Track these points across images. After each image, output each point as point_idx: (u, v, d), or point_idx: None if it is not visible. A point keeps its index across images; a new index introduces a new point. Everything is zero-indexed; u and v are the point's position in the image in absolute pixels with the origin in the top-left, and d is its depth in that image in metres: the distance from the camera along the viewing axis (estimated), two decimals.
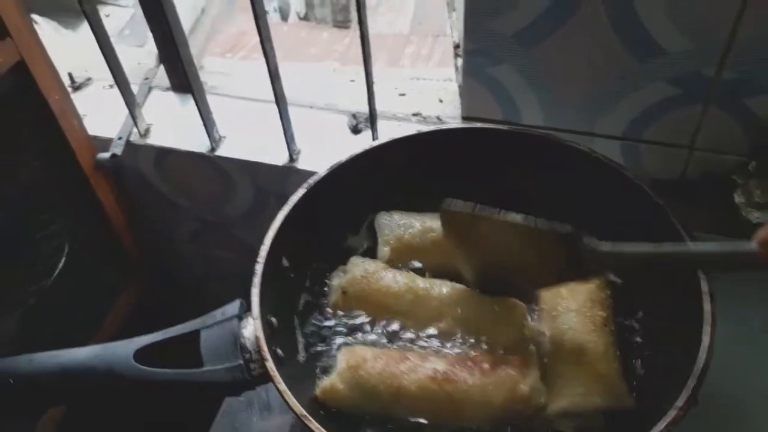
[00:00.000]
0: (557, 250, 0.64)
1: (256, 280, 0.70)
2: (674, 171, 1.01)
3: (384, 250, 0.81)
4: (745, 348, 0.77)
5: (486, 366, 0.68)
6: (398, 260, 0.81)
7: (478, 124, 0.89)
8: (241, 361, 0.66)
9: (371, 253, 0.85)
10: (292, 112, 1.17)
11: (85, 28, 1.57)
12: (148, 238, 1.45)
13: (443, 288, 0.75)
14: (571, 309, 0.71)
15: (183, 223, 1.42)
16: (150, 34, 1.28)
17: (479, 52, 0.96)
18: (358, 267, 0.77)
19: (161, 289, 1.50)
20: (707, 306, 0.62)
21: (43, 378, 0.65)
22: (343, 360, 0.71)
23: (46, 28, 1.46)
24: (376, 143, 0.84)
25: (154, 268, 1.49)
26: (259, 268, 0.72)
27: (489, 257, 0.69)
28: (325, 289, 0.81)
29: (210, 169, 1.26)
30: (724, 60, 0.87)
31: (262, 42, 1.05)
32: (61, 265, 1.21)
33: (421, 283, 0.76)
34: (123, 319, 1.37)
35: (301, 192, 0.79)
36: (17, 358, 0.66)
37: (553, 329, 0.71)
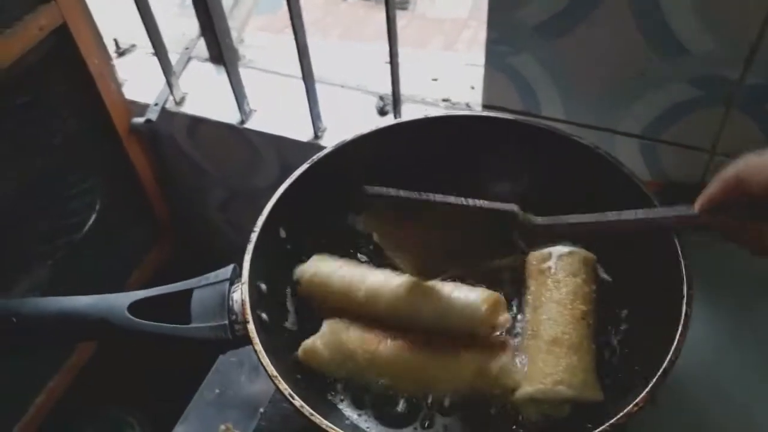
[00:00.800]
0: (495, 228, 0.67)
1: (250, 247, 0.74)
2: (694, 175, 0.99)
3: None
4: (722, 351, 0.76)
5: (461, 342, 0.69)
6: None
7: (485, 113, 0.89)
8: (226, 322, 0.69)
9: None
10: (323, 89, 1.20)
11: None
12: (178, 202, 1.50)
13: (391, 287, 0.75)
14: (553, 300, 0.71)
15: (212, 190, 1.46)
16: None
17: (501, 42, 0.96)
18: (311, 267, 0.79)
19: (188, 252, 1.56)
20: (684, 308, 0.62)
21: (44, 320, 0.70)
22: (326, 324, 0.74)
23: None
24: (382, 125, 0.85)
25: (182, 231, 1.54)
26: (253, 236, 0.75)
27: (422, 245, 0.70)
28: None
29: (239, 141, 1.30)
30: (749, 64, 0.85)
31: (291, 18, 1.07)
32: (91, 221, 1.27)
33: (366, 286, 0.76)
34: (148, 278, 1.43)
35: (304, 167, 0.81)
36: (24, 300, 0.72)
37: (534, 318, 0.72)
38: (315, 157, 0.82)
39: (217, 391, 0.83)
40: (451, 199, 0.67)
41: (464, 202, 0.67)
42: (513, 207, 0.68)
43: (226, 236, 1.57)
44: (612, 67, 0.92)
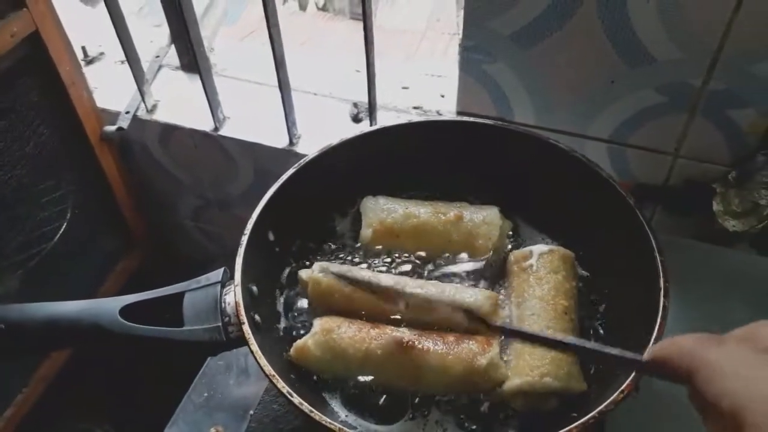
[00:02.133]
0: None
1: (241, 250, 0.74)
2: (659, 176, 1.04)
3: (366, 232, 0.84)
4: None
5: (451, 339, 0.71)
6: (379, 242, 0.85)
7: (464, 118, 0.92)
8: (220, 324, 0.69)
9: (356, 232, 0.88)
10: (297, 97, 1.21)
11: (101, 4, 1.62)
12: (150, 211, 1.49)
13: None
14: (536, 296, 0.74)
15: (185, 198, 1.46)
16: None
17: (476, 49, 0.99)
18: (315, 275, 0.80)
19: (160, 260, 1.55)
20: (661, 300, 0.65)
21: (33, 326, 0.69)
22: (318, 324, 0.75)
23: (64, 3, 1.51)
24: (366, 130, 0.87)
25: (155, 240, 1.53)
26: (244, 239, 0.76)
27: None
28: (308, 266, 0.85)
29: (213, 148, 1.30)
30: (710, 72, 0.89)
31: (269, 27, 1.08)
32: (62, 230, 1.25)
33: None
34: (121, 286, 1.42)
35: (291, 171, 0.83)
36: (10, 307, 0.70)
37: (518, 314, 0.75)
38: (302, 161, 0.84)
39: (205, 394, 0.83)
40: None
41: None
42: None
43: (198, 243, 1.57)
44: (583, 75, 0.96)
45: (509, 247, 0.84)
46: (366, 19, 1.05)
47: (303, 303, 0.81)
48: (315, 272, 0.77)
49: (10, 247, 1.17)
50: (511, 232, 0.87)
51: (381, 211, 0.85)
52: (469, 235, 0.82)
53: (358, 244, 0.86)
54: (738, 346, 0.46)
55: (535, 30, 0.93)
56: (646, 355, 0.53)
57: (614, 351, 0.57)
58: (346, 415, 0.72)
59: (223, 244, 1.55)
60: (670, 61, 0.90)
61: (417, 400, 0.72)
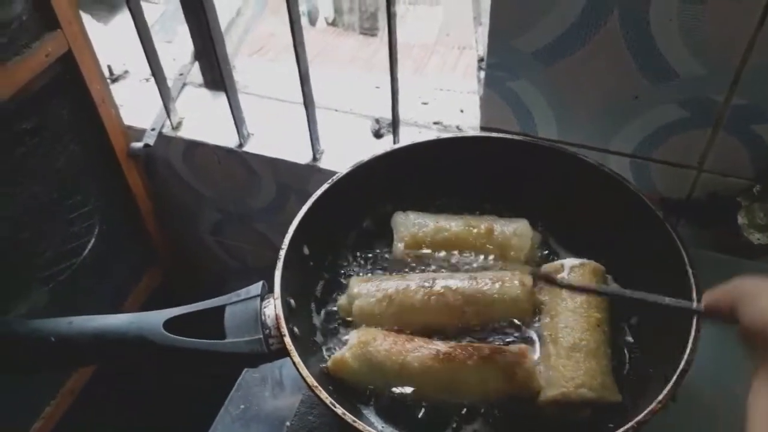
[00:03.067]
0: None
1: (279, 264, 0.76)
2: (682, 190, 1.06)
3: (398, 246, 0.86)
4: (729, 354, 0.81)
5: (486, 351, 0.73)
6: (411, 256, 0.86)
7: (494, 134, 0.94)
8: (261, 336, 0.71)
9: (386, 245, 0.90)
10: (318, 113, 1.23)
11: (116, 22, 1.65)
12: (174, 225, 1.51)
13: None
14: (569, 309, 0.76)
15: (207, 213, 1.48)
16: (180, 31, 1.34)
17: (500, 66, 1.01)
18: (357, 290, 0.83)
19: (183, 274, 1.56)
20: (695, 319, 0.67)
21: (80, 339, 0.71)
22: (354, 336, 0.76)
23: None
24: (397, 146, 0.89)
25: (177, 254, 1.55)
26: (282, 253, 0.77)
27: None
28: (342, 279, 0.87)
29: (236, 164, 1.32)
30: (734, 87, 0.91)
31: (295, 46, 1.11)
32: (90, 244, 1.27)
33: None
34: (144, 300, 1.43)
35: (324, 187, 0.85)
36: (58, 320, 0.72)
37: (551, 326, 0.76)
38: (334, 178, 0.86)
39: (242, 406, 0.85)
40: None
41: None
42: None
43: (219, 257, 1.58)
44: (606, 91, 0.98)
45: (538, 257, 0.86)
46: (391, 36, 1.07)
47: (338, 314, 0.82)
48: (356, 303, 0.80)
49: (40, 261, 1.19)
50: (538, 246, 0.88)
51: (412, 225, 0.86)
52: (500, 247, 0.84)
53: (389, 256, 0.88)
54: None
55: (558, 48, 0.95)
56: (702, 303, 0.59)
57: (675, 302, 0.62)
58: (383, 428, 0.73)
59: (242, 259, 1.57)
60: (693, 77, 0.92)
61: (455, 411, 0.73)
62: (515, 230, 0.85)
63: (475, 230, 0.86)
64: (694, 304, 0.60)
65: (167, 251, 1.51)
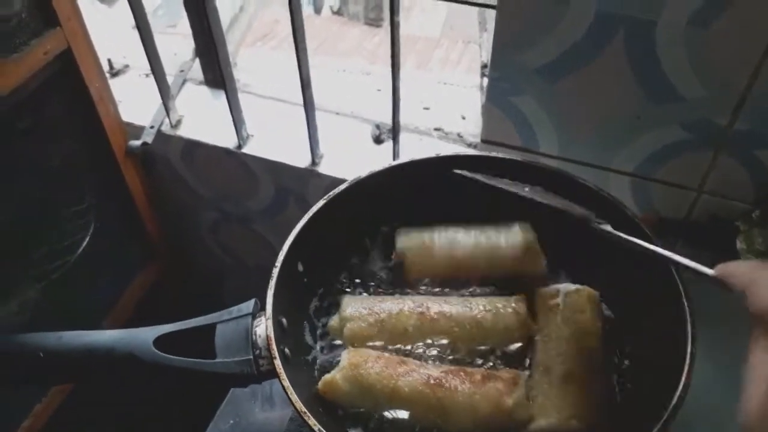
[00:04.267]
0: None
1: (272, 283, 0.75)
2: (681, 211, 1.05)
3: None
4: (726, 386, 0.81)
5: (477, 378, 0.72)
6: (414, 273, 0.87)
7: (493, 153, 0.93)
8: (251, 357, 0.70)
9: (382, 263, 0.90)
10: (318, 116, 1.22)
11: (121, 3, 1.63)
12: (171, 224, 1.51)
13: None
14: (563, 336, 0.75)
15: (205, 213, 1.47)
16: (184, 15, 1.32)
17: (503, 80, 1.00)
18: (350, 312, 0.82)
19: (179, 273, 1.56)
20: (689, 347, 0.66)
21: (69, 354, 0.71)
22: (345, 358, 0.76)
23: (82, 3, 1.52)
24: (396, 162, 0.88)
25: (174, 253, 1.54)
26: (275, 272, 0.76)
27: None
28: (336, 297, 0.86)
29: (235, 165, 1.32)
30: (737, 111, 0.90)
31: (297, 51, 1.09)
32: (85, 242, 1.26)
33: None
34: (140, 298, 1.43)
35: (320, 204, 0.84)
36: (47, 334, 0.72)
37: (545, 353, 0.76)
38: (331, 194, 0.85)
39: (231, 422, 0.84)
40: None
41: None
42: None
43: (216, 257, 1.58)
44: (609, 109, 0.97)
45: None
46: (393, 45, 1.06)
47: (329, 334, 0.82)
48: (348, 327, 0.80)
49: (34, 258, 1.18)
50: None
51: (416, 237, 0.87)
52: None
53: (384, 274, 0.88)
54: None
55: (562, 65, 0.94)
56: (715, 271, 0.62)
57: (692, 264, 0.66)
58: None
59: (239, 258, 1.57)
60: (697, 99, 0.91)
61: None
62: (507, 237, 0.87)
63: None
64: (709, 271, 0.63)
65: (164, 250, 1.51)
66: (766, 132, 0.90)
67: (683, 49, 0.86)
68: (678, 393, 0.64)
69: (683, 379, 0.65)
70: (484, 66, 1.32)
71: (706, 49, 0.85)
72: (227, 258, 1.57)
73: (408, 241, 0.87)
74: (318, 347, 0.81)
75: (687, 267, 0.66)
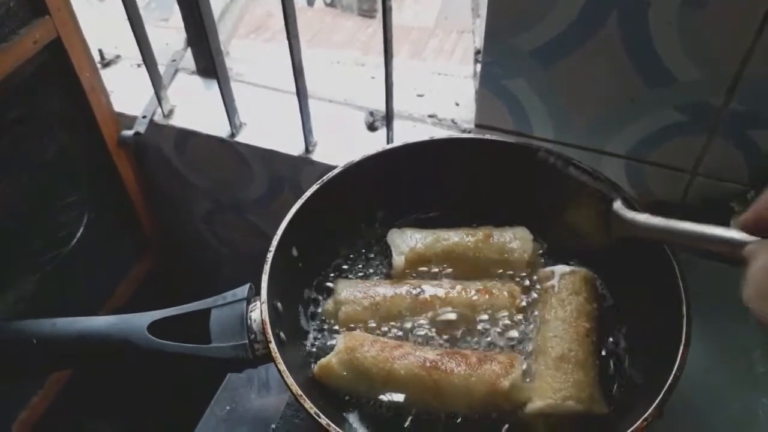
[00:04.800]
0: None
1: (266, 267, 0.75)
2: (676, 194, 1.05)
3: (399, 260, 0.85)
4: (721, 367, 0.82)
5: (473, 360, 0.72)
6: (411, 270, 0.86)
7: (486, 136, 0.92)
8: (246, 341, 0.70)
9: (378, 248, 0.89)
10: (312, 104, 1.22)
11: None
12: (165, 214, 1.50)
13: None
14: (558, 318, 0.75)
15: (199, 202, 1.47)
16: (176, 8, 1.31)
17: (496, 64, 1.00)
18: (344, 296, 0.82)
19: (174, 263, 1.56)
20: (684, 328, 0.66)
21: (63, 341, 0.70)
22: (341, 341, 0.75)
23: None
24: (389, 146, 0.88)
25: (168, 243, 1.54)
26: (269, 256, 0.76)
27: None
28: (331, 282, 0.86)
29: (229, 154, 1.31)
30: (731, 92, 0.90)
31: (289, 38, 1.09)
32: (79, 233, 1.26)
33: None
34: (135, 289, 1.43)
35: (314, 188, 0.83)
36: (41, 321, 0.71)
37: (540, 335, 0.76)
38: (325, 178, 0.84)
39: (227, 408, 0.84)
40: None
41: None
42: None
43: (211, 246, 1.58)
44: (602, 93, 0.96)
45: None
46: (386, 31, 1.05)
47: (324, 319, 0.82)
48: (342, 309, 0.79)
49: (28, 250, 1.18)
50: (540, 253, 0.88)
51: (409, 239, 0.86)
52: (502, 250, 0.83)
53: (373, 256, 0.88)
54: None
55: (555, 48, 0.94)
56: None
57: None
58: None
59: (234, 248, 1.56)
60: (690, 82, 0.91)
61: (441, 420, 0.73)
62: (514, 234, 0.85)
63: (473, 237, 0.85)
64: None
65: (158, 240, 1.50)
66: (760, 112, 0.90)
67: (677, 31, 0.86)
68: (673, 372, 0.64)
69: (678, 359, 0.65)
70: (477, 52, 1.31)
71: (700, 30, 0.85)
72: (222, 247, 1.56)
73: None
74: (313, 332, 0.81)
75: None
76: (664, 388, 0.62)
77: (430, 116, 1.31)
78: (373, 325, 0.79)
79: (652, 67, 0.91)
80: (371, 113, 1.31)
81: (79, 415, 1.29)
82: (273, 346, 0.68)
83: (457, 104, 1.32)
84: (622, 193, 0.77)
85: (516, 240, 0.84)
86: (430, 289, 0.80)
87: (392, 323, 0.79)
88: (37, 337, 0.69)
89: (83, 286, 1.31)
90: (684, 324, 0.67)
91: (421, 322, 0.80)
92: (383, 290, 0.81)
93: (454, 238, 0.86)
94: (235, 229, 1.49)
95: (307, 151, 1.25)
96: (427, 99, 1.35)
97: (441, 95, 1.34)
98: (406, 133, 1.25)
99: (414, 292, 0.79)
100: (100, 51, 1.44)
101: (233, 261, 1.58)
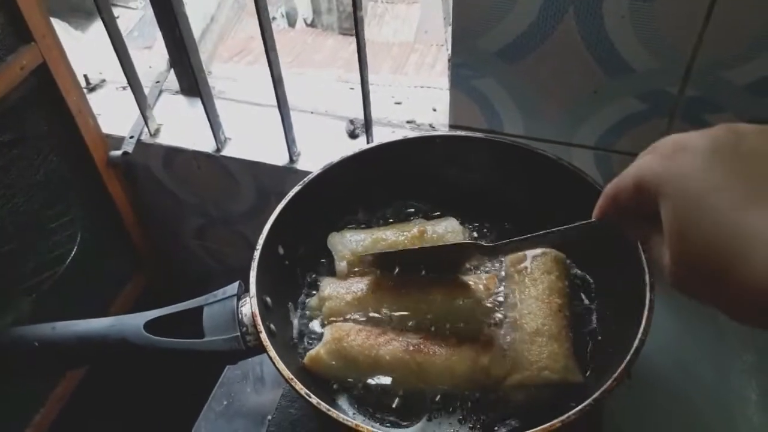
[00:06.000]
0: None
1: (254, 264, 0.79)
2: None
3: (341, 265, 0.88)
4: (689, 334, 0.86)
5: (453, 341, 0.76)
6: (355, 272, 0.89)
7: (459, 132, 0.97)
8: (238, 333, 0.74)
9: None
10: (294, 116, 1.26)
11: (94, 29, 1.67)
12: (156, 231, 1.54)
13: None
14: (531, 296, 0.80)
15: (189, 218, 1.50)
16: (159, 36, 1.36)
17: (465, 66, 1.05)
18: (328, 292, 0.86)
19: (167, 279, 1.59)
20: (648, 294, 0.71)
21: (63, 343, 0.74)
22: (328, 333, 0.80)
23: (57, 30, 1.56)
24: (365, 147, 0.92)
25: (160, 260, 1.57)
26: (257, 254, 0.80)
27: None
28: (317, 278, 0.90)
29: (216, 168, 1.35)
30: (686, 80, 0.95)
31: (267, 51, 1.14)
32: (73, 253, 1.29)
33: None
34: (129, 306, 1.46)
35: (296, 189, 0.88)
36: (41, 326, 0.75)
37: (516, 313, 0.80)
38: (305, 180, 0.89)
39: (225, 402, 0.88)
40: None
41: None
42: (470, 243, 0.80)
43: (202, 261, 1.61)
44: (567, 86, 1.01)
45: None
46: (359, 40, 1.10)
47: (312, 313, 0.86)
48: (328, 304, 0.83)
49: (23, 271, 1.21)
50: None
51: (349, 242, 0.89)
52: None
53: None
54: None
55: (519, 46, 0.99)
56: (594, 214, 0.59)
57: (574, 224, 0.65)
58: (359, 416, 0.77)
59: (225, 261, 1.60)
60: (647, 71, 0.96)
61: (429, 400, 0.77)
62: (446, 228, 0.89)
63: (409, 233, 0.89)
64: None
65: (151, 257, 1.54)
66: (714, 97, 0.95)
67: (629, 22, 0.91)
68: (638, 336, 0.68)
69: (643, 323, 0.69)
70: (450, 58, 1.36)
71: (651, 21, 0.90)
72: (214, 261, 1.60)
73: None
74: (301, 325, 0.85)
75: (577, 228, 0.65)
76: (631, 351, 0.67)
77: (408, 122, 1.36)
78: (356, 317, 0.83)
79: (610, 59, 0.96)
80: (351, 121, 1.35)
81: (85, 415, 1.31)
82: (264, 336, 0.72)
83: (435, 110, 1.37)
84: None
85: (449, 233, 0.88)
86: (409, 283, 0.83)
87: (374, 315, 0.83)
88: (38, 340, 0.73)
89: (78, 305, 1.34)
90: (647, 291, 0.71)
91: (403, 314, 0.83)
92: (365, 286, 0.85)
93: (391, 237, 0.89)
94: (226, 242, 1.53)
95: (291, 161, 1.30)
96: (405, 106, 1.40)
97: (419, 103, 1.39)
98: (385, 138, 1.29)
99: (395, 287, 0.83)
100: (86, 76, 1.48)
101: (225, 275, 1.62)
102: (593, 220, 0.60)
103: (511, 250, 0.75)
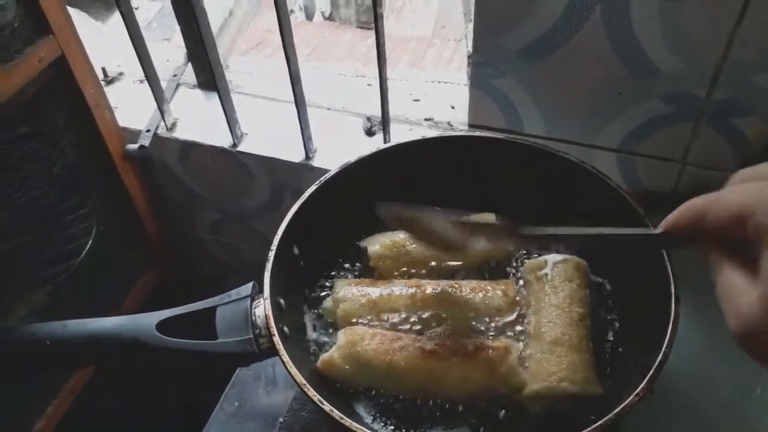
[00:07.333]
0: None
1: (269, 265, 0.78)
2: (667, 184, 1.07)
3: (374, 248, 0.89)
4: (711, 347, 0.84)
5: (470, 348, 0.75)
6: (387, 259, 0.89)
7: (475, 132, 0.95)
8: (251, 336, 0.73)
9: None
10: (311, 112, 1.25)
11: (114, 19, 1.67)
12: (171, 225, 1.53)
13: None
14: (552, 304, 0.78)
15: (204, 212, 1.50)
16: (177, 28, 1.35)
17: (486, 65, 1.03)
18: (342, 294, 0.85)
19: (181, 273, 1.59)
20: (673, 307, 0.69)
21: (75, 342, 0.73)
22: (342, 337, 0.78)
23: (76, 20, 1.56)
24: (383, 146, 0.91)
25: (175, 254, 1.57)
26: (271, 254, 0.79)
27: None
28: (332, 280, 0.88)
29: (231, 164, 1.34)
30: (714, 82, 0.93)
31: (284, 47, 1.12)
32: (88, 246, 1.29)
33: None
34: (143, 299, 1.46)
35: (312, 188, 0.86)
36: (53, 324, 0.74)
37: (535, 321, 0.78)
38: (322, 179, 0.87)
39: (236, 404, 0.87)
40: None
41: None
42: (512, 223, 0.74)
43: (216, 256, 1.61)
44: (590, 87, 0.99)
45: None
46: (379, 37, 1.08)
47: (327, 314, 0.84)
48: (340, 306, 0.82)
49: (39, 263, 1.21)
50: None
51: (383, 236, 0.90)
52: None
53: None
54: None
55: (542, 45, 0.97)
56: (660, 227, 0.56)
57: (629, 231, 0.62)
58: (373, 424, 0.75)
59: (240, 257, 1.59)
60: (674, 73, 0.93)
61: (443, 407, 0.75)
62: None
63: None
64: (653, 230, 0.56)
65: (165, 251, 1.53)
66: (743, 100, 0.93)
67: (658, 23, 0.89)
68: (662, 350, 0.66)
69: (668, 336, 0.67)
70: (470, 56, 1.34)
71: (681, 21, 0.88)
72: (228, 256, 1.59)
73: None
74: (316, 327, 0.84)
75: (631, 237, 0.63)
76: (655, 364, 0.65)
77: (427, 119, 1.34)
78: (371, 321, 0.81)
79: (636, 60, 0.93)
80: (368, 119, 1.34)
81: (94, 422, 1.32)
82: (277, 339, 0.71)
83: (453, 107, 1.35)
84: None
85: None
86: (426, 288, 0.82)
87: (389, 320, 0.82)
88: (49, 339, 0.72)
89: (92, 298, 1.34)
90: (672, 303, 0.69)
91: (417, 319, 0.82)
92: (379, 289, 0.83)
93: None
94: (240, 238, 1.52)
95: (307, 157, 1.28)
96: (423, 104, 1.38)
97: (437, 100, 1.37)
98: (403, 136, 1.28)
99: (410, 290, 0.82)
100: (103, 69, 1.48)
101: (239, 269, 1.61)
102: (658, 231, 0.56)
103: (547, 241, 0.71)
